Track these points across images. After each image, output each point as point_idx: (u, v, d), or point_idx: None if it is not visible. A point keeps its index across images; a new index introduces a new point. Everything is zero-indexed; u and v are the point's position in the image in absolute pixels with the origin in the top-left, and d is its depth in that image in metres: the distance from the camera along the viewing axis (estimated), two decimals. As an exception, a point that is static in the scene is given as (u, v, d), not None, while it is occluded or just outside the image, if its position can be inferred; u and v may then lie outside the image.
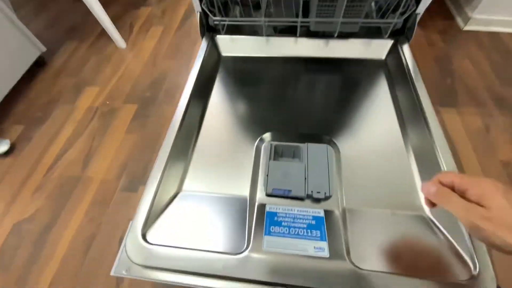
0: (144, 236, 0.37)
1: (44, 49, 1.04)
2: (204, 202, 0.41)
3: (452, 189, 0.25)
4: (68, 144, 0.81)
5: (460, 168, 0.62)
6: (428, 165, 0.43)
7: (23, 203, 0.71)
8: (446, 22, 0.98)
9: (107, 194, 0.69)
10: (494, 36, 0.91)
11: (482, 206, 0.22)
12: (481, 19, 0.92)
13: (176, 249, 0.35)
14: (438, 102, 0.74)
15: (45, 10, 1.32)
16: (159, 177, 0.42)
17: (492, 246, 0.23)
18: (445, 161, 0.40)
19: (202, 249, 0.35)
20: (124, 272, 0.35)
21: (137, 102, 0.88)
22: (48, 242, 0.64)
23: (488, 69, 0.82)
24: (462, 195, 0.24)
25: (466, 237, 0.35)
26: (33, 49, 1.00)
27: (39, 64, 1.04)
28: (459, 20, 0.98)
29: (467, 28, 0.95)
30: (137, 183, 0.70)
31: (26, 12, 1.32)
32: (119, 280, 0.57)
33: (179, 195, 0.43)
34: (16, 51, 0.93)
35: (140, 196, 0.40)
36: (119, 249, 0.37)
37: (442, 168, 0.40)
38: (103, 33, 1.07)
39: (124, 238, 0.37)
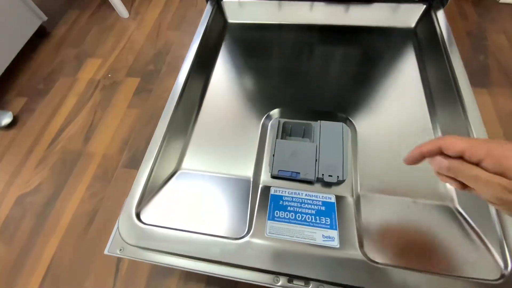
0: (138, 216, 0.34)
1: (45, 18, 1.00)
2: (204, 181, 0.38)
3: (462, 158, 0.20)
4: (70, 118, 0.78)
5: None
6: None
7: (27, 175, 0.70)
8: (483, -8, 0.86)
9: (109, 170, 0.67)
10: (536, 9, 0.80)
11: (506, 177, 0.18)
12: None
13: (172, 230, 0.33)
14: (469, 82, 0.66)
15: None
16: (155, 153, 0.38)
17: None
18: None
19: (199, 232, 0.32)
20: (118, 251, 0.33)
21: (140, 75, 0.83)
22: (51, 215, 0.63)
23: (527, 46, 0.72)
24: (477, 164, 0.20)
25: (498, 231, 0.30)
26: (34, 18, 0.95)
27: (40, 34, 1.00)
28: (497, -10, 0.86)
29: (503, 0, 0.83)
30: (139, 159, 0.67)
31: None
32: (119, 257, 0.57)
33: (177, 174, 0.39)
34: (16, 20, 0.89)
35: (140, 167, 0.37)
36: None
37: None
38: (105, 1, 1.01)
39: (118, 218, 0.35)
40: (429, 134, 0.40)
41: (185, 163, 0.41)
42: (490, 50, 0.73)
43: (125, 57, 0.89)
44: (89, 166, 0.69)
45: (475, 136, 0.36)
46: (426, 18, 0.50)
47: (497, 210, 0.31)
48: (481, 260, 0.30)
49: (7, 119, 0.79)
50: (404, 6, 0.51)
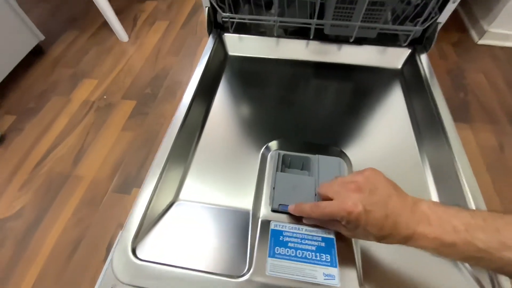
0: (134, 251, 0.33)
1: (42, 37, 1.00)
2: (203, 213, 0.38)
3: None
4: (60, 138, 0.76)
5: (472, 187, 0.59)
6: (446, 180, 0.40)
7: (9, 198, 0.67)
8: (460, 35, 0.95)
9: (98, 194, 0.65)
10: (510, 51, 0.89)
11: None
12: (497, 34, 0.89)
13: (169, 267, 0.31)
14: (451, 117, 0.71)
15: (47, 0, 1.28)
16: (155, 182, 0.38)
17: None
18: (466, 176, 0.37)
19: (198, 269, 0.31)
20: (109, 290, 0.31)
21: (136, 99, 0.84)
22: (32, 242, 0.60)
23: (503, 85, 0.79)
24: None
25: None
26: (31, 37, 0.96)
27: (36, 53, 1.00)
28: (473, 33, 0.95)
29: (481, 42, 0.92)
30: (130, 184, 0.66)
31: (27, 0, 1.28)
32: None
33: (175, 204, 0.39)
34: (12, 38, 0.89)
35: (133, 199, 0.36)
36: (106, 256, 0.33)
37: (462, 185, 0.37)
38: (105, 24, 1.04)
39: (112, 251, 0.33)
40: (418, 166, 0.42)
41: (183, 193, 0.40)
42: (470, 88, 0.80)
43: (122, 80, 0.89)
44: (76, 190, 0.66)
45: (459, 166, 0.38)
46: (411, 61, 0.55)
47: None
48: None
49: (-8, 138, 0.76)
50: (392, 49, 0.56)
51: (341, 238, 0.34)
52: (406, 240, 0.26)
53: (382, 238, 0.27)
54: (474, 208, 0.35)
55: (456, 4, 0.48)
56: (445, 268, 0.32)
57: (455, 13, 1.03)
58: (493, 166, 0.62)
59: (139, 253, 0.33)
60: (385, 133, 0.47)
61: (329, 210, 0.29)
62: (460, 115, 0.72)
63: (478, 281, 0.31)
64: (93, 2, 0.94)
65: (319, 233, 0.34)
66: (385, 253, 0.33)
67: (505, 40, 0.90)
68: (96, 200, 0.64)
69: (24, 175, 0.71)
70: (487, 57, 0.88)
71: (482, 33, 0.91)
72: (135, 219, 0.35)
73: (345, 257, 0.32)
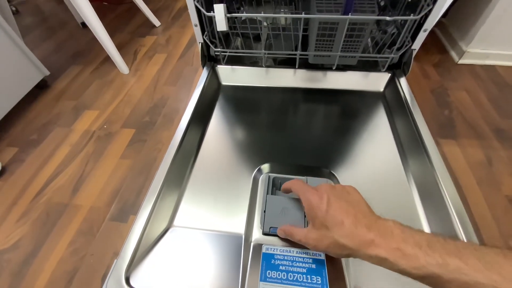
0: (127, 280, 0.33)
1: (47, 72, 1.06)
2: (196, 239, 0.38)
3: None
4: (60, 168, 0.78)
5: (465, 201, 0.60)
6: (431, 196, 0.41)
7: (7, 230, 0.67)
8: (441, 56, 1.01)
9: (95, 223, 0.65)
10: (490, 69, 0.94)
11: None
12: (476, 53, 0.95)
13: (162, 295, 0.32)
14: (438, 134, 0.74)
15: (53, 36, 1.37)
16: (149, 210, 0.39)
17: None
18: (447, 191, 0.39)
19: (190, 296, 0.32)
20: (102, 321, 0.31)
21: (135, 127, 0.87)
22: (28, 274, 0.59)
23: (486, 101, 0.83)
24: None
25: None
26: (36, 73, 1.01)
27: (41, 87, 1.05)
28: (453, 54, 1.01)
29: (462, 61, 0.98)
30: (127, 212, 0.66)
31: (34, 37, 1.37)
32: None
33: (169, 231, 0.40)
34: (18, 74, 0.94)
35: (129, 227, 0.37)
36: (101, 286, 0.33)
37: (445, 199, 0.38)
38: (107, 59, 1.10)
39: (106, 281, 0.33)
40: (404, 185, 0.44)
41: (178, 219, 0.41)
42: (454, 106, 0.83)
43: (122, 110, 0.93)
44: (73, 219, 0.67)
45: (441, 181, 0.40)
46: (392, 84, 0.58)
47: None
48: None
49: (-6, 170, 0.78)
50: (373, 74, 0.60)
51: (332, 259, 0.35)
52: (365, 245, 0.25)
53: (341, 238, 0.26)
54: (458, 221, 0.36)
55: (427, 33, 0.53)
56: None
57: (434, 36, 1.10)
58: (483, 181, 0.63)
59: (133, 281, 0.33)
60: (371, 153, 0.49)
61: (296, 187, 0.33)
62: (447, 131, 0.75)
63: None
64: (96, 39, 1.02)
65: (309, 255, 0.34)
66: (376, 276, 0.34)
67: (484, 59, 0.96)
68: (93, 229, 0.64)
69: (23, 206, 0.71)
70: (468, 75, 0.93)
71: (461, 53, 0.97)
72: (130, 247, 0.35)
73: (336, 279, 0.33)
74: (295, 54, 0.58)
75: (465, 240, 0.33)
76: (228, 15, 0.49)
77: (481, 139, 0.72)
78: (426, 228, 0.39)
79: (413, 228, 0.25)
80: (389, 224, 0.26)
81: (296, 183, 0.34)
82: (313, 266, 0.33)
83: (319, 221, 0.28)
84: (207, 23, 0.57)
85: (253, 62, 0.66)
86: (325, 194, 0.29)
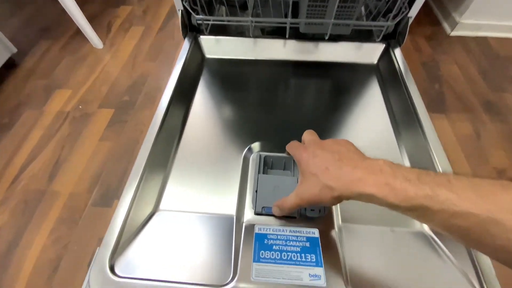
0: (112, 268, 0.31)
1: (14, 50, 0.96)
2: (185, 222, 0.36)
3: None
4: (34, 154, 0.73)
5: (452, 175, 0.61)
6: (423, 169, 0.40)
7: (-17, 220, 0.63)
8: (433, 28, 0.98)
9: (76, 210, 0.62)
10: (481, 41, 0.93)
11: None
12: (468, 24, 0.93)
13: (151, 282, 0.30)
14: (427, 107, 0.73)
15: (20, 11, 1.22)
16: (132, 194, 0.36)
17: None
18: (441, 164, 0.38)
19: (181, 281, 0.30)
20: (88, 311, 0.29)
21: (114, 107, 0.81)
22: (11, 265, 0.56)
23: (476, 74, 0.82)
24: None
25: (470, 255, 0.32)
26: (2, 51, 0.91)
27: (8, 66, 0.95)
28: (446, 26, 0.99)
29: (454, 33, 0.95)
30: (111, 196, 0.63)
31: (0, 13, 1.21)
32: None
33: (155, 215, 0.37)
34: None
35: (114, 212, 0.34)
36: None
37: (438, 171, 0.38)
38: (78, 32, 1.00)
39: (89, 270, 0.31)
40: (397, 157, 0.43)
41: (164, 203, 0.39)
42: (444, 79, 0.82)
43: (98, 88, 0.86)
44: (52, 207, 0.63)
45: (435, 156, 0.39)
46: (386, 55, 0.56)
47: None
48: (458, 283, 0.31)
49: (-40, 157, 0.71)
50: (367, 45, 0.57)
51: (326, 237, 0.34)
52: (353, 184, 0.24)
53: (328, 181, 0.25)
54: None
55: (424, -1, 0.50)
56: (432, 265, 0.32)
57: (427, 7, 1.07)
58: (471, 155, 0.64)
59: (118, 269, 0.31)
60: (364, 127, 0.47)
61: (289, 148, 0.36)
62: (437, 106, 0.75)
63: (466, 275, 0.31)
64: (65, 11, 0.91)
65: (303, 233, 0.33)
66: (371, 251, 0.33)
67: (477, 30, 0.94)
68: (74, 216, 0.61)
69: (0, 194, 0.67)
70: (459, 48, 0.91)
71: (454, 25, 0.94)
72: (113, 234, 0.33)
73: (330, 256, 0.32)
74: (285, 23, 0.53)
75: None
76: (210, -25, 0.43)
77: (470, 113, 0.72)
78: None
79: (404, 166, 0.25)
80: (378, 163, 0.25)
81: (290, 144, 0.36)
82: (307, 244, 0.32)
83: (308, 172, 0.28)
84: (186, -14, 0.51)
85: (239, 32, 0.61)
86: (311, 147, 0.31)
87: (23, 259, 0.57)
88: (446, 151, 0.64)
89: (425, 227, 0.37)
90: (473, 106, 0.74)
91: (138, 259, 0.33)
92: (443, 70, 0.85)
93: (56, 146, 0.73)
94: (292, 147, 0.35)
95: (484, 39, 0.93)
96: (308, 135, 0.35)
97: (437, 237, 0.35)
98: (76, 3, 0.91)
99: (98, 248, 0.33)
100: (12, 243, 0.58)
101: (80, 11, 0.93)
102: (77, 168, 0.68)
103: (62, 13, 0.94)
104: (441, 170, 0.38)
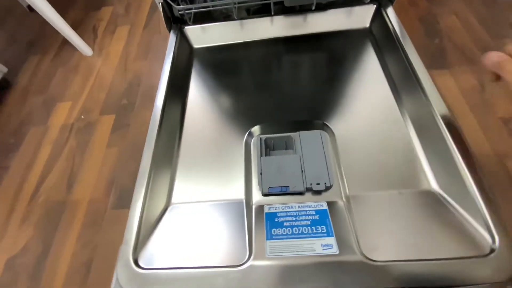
0: (136, 262, 0.33)
1: (5, 69, 0.96)
2: (197, 212, 0.38)
3: None
4: (48, 168, 0.75)
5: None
6: (428, 132, 0.40)
7: (12, 236, 0.67)
8: (427, -21, 0.93)
9: (98, 215, 0.65)
10: (478, -14, 0.87)
11: None
12: (463, -29, 0.86)
13: (173, 270, 0.32)
14: (429, 65, 0.70)
15: (1, 27, 1.21)
16: (143, 192, 0.38)
17: None
18: (445, 123, 0.37)
19: (201, 266, 0.32)
20: (121, 303, 0.32)
21: (115, 112, 0.82)
22: (44, 274, 0.60)
23: (476, 23, 0.78)
24: None
25: (482, 208, 0.32)
26: (-8, 71, 0.92)
27: (3, 87, 0.96)
28: (439, -25, 0.92)
29: (449, -18, 0.89)
30: (127, 198, 0.65)
31: None
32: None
33: (169, 209, 0.39)
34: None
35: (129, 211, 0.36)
36: None
37: (443, 134, 0.37)
38: (65, 42, 0.99)
39: (116, 267, 0.34)
40: (400, 123, 0.43)
41: (175, 197, 0.40)
42: (444, 33, 0.78)
43: (96, 96, 0.87)
44: (76, 215, 0.66)
45: (437, 113, 0.38)
46: (378, 17, 0.53)
47: (478, 186, 0.32)
48: (470, 238, 0.31)
49: (-20, 182, 0.75)
50: (357, 9, 0.54)
51: (334, 208, 0.35)
52: None
53: None
54: (458, 154, 0.35)
55: None
56: (443, 222, 0.33)
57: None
58: (476, 106, 0.62)
59: (141, 262, 0.33)
60: (363, 96, 0.47)
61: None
62: (438, 61, 0.72)
63: (477, 230, 0.31)
64: (47, 22, 0.90)
65: (311, 207, 0.34)
66: (380, 216, 0.34)
67: (473, -24, 0.88)
68: (97, 220, 0.64)
69: (21, 211, 0.70)
70: (457, -3, 0.86)
71: (448, -27, 0.88)
72: (132, 231, 0.35)
73: (340, 226, 0.33)
74: (269, -1, 0.51)
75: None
76: (183, -40, 0.42)
77: (473, 64, 0.70)
78: (425, 163, 0.39)
79: None
80: None
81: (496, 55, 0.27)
82: (316, 217, 0.33)
83: None
84: (162, -23, 0.49)
85: (224, 17, 0.59)
86: None
87: (54, 268, 0.61)
88: (450, 105, 0.63)
89: (433, 185, 0.37)
90: (476, 57, 0.71)
91: (158, 251, 0.35)
92: (442, 23, 0.81)
93: (68, 158, 0.75)
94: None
95: (481, -15, 0.87)
96: None
97: (446, 193, 0.36)
98: (57, 13, 0.89)
99: (120, 246, 0.35)
100: (41, 256, 0.62)
101: (63, 20, 0.92)
102: (91, 175, 0.71)
103: (45, 24, 0.93)
104: (447, 133, 0.37)
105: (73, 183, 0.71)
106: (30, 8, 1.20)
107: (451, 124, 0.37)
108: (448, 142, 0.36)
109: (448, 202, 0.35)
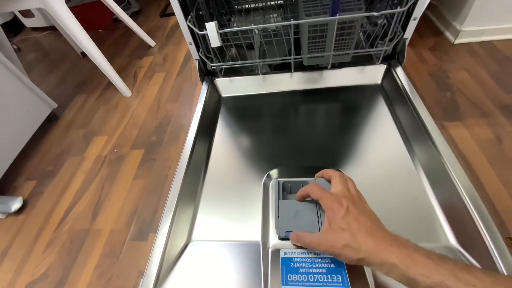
0: (155, 297, 0.35)
1: (55, 105, 1.10)
2: (216, 251, 0.40)
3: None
4: (78, 196, 0.81)
5: (479, 182, 0.59)
6: (441, 182, 0.41)
7: (35, 261, 0.70)
8: (436, 39, 1.01)
9: (117, 245, 0.67)
10: (487, 45, 0.93)
11: None
12: (471, 31, 0.94)
13: (190, 308, 0.33)
14: (442, 118, 0.73)
15: (56, 68, 1.42)
16: (168, 227, 0.41)
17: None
18: (456, 174, 0.39)
19: (217, 306, 0.33)
20: None
21: (144, 147, 0.90)
22: (58, 303, 0.61)
23: (487, 77, 0.82)
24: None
25: (501, 267, 0.32)
26: (44, 107, 1.05)
27: (50, 120, 1.10)
28: (448, 35, 1.01)
29: (458, 41, 0.97)
30: (146, 230, 0.68)
31: (38, 72, 1.43)
32: None
33: (189, 245, 0.41)
34: (28, 110, 0.99)
35: (150, 245, 0.39)
36: None
37: (455, 183, 0.38)
38: (110, 84, 1.14)
39: (135, 300, 0.35)
40: (414, 175, 0.44)
41: (196, 233, 0.43)
42: (455, 87, 0.82)
43: (129, 132, 0.96)
44: (96, 244, 0.69)
45: (448, 165, 0.40)
46: (389, 75, 0.59)
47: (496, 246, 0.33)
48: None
49: (17, 205, 0.81)
50: (369, 67, 0.61)
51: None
52: (378, 250, 0.26)
53: (356, 239, 0.28)
54: (471, 206, 0.36)
55: (417, 20, 0.53)
56: None
57: (427, 20, 1.10)
58: (495, 159, 0.62)
59: (160, 298, 0.35)
60: (376, 146, 0.49)
61: (316, 194, 0.34)
62: (452, 114, 0.74)
63: None
64: (97, 67, 1.06)
65: (327, 255, 0.35)
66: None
67: (480, 36, 0.95)
68: (116, 251, 0.66)
69: (47, 237, 0.74)
70: (466, 54, 0.92)
71: (456, 33, 0.96)
72: (154, 265, 0.37)
73: (356, 275, 0.33)
74: (290, 59, 0.59)
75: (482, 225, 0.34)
76: (220, 31, 0.51)
77: (487, 117, 0.71)
78: (442, 217, 0.39)
79: (425, 248, 0.27)
80: (403, 239, 0.28)
81: (314, 189, 0.35)
82: (332, 265, 0.34)
83: (337, 224, 0.30)
84: (201, 40, 0.59)
85: (249, 71, 0.68)
86: (344, 201, 0.31)
87: (69, 297, 0.62)
88: (467, 158, 0.64)
89: (452, 241, 0.37)
90: (489, 110, 0.73)
91: (178, 286, 0.36)
92: (453, 78, 0.85)
93: (97, 187, 0.81)
94: (318, 193, 0.34)
95: (490, 43, 0.93)
96: (340, 183, 0.35)
97: (465, 250, 0.35)
98: (106, 59, 1.05)
99: (142, 279, 0.37)
100: (58, 284, 0.64)
101: (110, 66, 1.08)
102: (115, 206, 0.75)
103: (94, 68, 1.09)
104: (458, 181, 0.38)
105: (98, 212, 0.75)
106: (83, 54, 1.42)
107: (461, 173, 0.39)
108: (463, 197, 0.37)
109: (467, 259, 0.34)
